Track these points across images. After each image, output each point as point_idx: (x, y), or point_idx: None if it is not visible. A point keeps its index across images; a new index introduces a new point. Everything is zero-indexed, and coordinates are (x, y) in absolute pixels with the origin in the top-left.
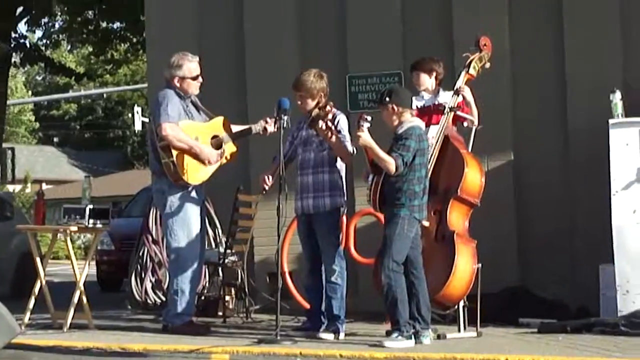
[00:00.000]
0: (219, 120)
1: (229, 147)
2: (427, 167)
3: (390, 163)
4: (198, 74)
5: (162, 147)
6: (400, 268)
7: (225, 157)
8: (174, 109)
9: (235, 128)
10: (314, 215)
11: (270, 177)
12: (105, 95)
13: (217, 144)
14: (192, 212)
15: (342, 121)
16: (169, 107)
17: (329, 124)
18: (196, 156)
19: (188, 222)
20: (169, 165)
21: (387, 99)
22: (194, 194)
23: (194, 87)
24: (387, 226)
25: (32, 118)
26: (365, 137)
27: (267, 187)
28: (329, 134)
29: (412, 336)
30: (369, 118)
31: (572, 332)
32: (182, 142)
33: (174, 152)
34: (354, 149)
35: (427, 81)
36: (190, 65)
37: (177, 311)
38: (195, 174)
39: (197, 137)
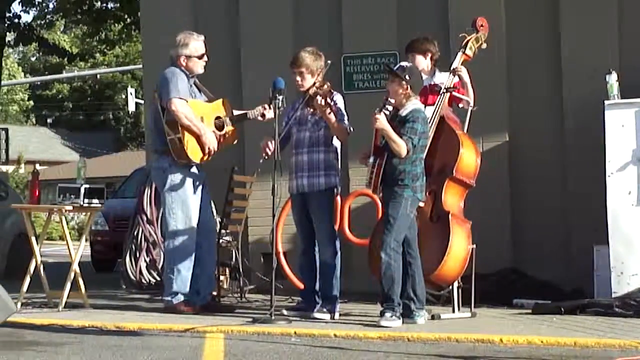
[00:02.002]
0: (221, 102)
1: (229, 129)
2: (426, 149)
3: (402, 146)
4: (204, 53)
5: (169, 124)
6: (399, 247)
7: (236, 138)
8: (183, 86)
9: (235, 112)
10: (309, 194)
11: (272, 142)
12: (98, 77)
13: (220, 124)
14: (192, 191)
15: (339, 100)
16: (179, 83)
17: (328, 100)
18: (198, 138)
19: (187, 201)
20: (174, 142)
21: (408, 77)
22: (194, 173)
23: (199, 66)
24: (391, 205)
25: (25, 97)
26: (383, 120)
27: (269, 152)
28: (327, 110)
29: (401, 316)
30: (393, 102)
31: (566, 313)
32: (189, 120)
33: (181, 129)
34: (351, 127)
35: (423, 62)
36: (196, 44)
37: (172, 290)
38: (200, 152)
39: (202, 116)
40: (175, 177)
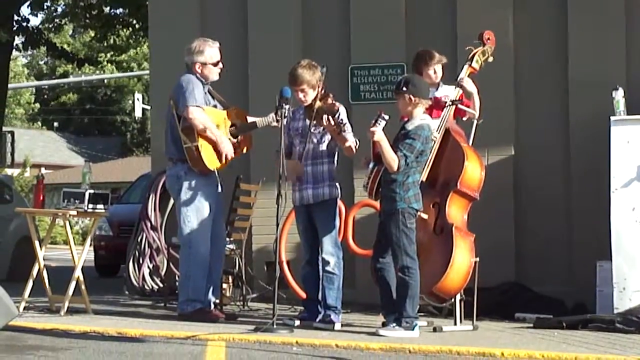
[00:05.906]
0: (236, 110)
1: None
2: (423, 165)
3: (394, 161)
4: (219, 60)
5: (185, 131)
6: (415, 262)
7: (251, 145)
8: (200, 94)
9: (249, 119)
10: (314, 205)
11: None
12: (106, 81)
13: (235, 133)
14: (206, 198)
15: (343, 113)
16: (195, 90)
17: (336, 118)
18: (214, 145)
19: (202, 209)
20: (191, 150)
21: (404, 88)
22: (209, 180)
23: (214, 73)
24: (388, 225)
25: (32, 99)
26: (379, 133)
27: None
28: (336, 128)
29: (414, 328)
30: (387, 117)
31: (567, 328)
32: (206, 127)
33: (199, 137)
34: (357, 140)
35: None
36: (212, 51)
37: (187, 297)
38: (216, 160)
39: (217, 124)
40: (190, 185)
